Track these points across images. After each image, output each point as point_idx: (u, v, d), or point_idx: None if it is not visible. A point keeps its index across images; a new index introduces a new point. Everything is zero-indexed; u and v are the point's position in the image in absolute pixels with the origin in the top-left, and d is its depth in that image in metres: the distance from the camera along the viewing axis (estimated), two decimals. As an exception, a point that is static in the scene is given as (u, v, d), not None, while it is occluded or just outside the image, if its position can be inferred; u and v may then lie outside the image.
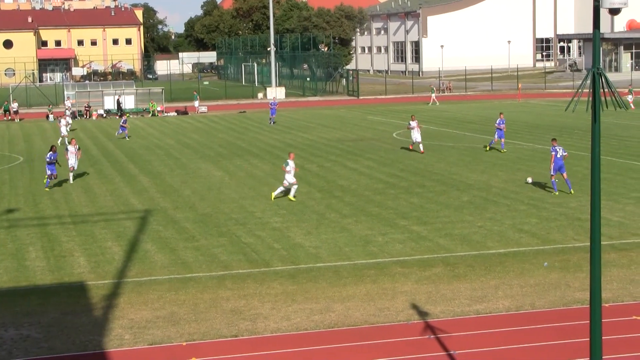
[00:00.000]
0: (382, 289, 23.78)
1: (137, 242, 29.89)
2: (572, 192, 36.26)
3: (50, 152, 41.49)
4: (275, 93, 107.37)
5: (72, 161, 43.10)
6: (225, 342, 20.05)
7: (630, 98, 79.80)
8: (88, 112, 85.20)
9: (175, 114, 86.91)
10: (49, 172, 41.00)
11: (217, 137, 63.10)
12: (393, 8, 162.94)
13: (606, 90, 13.13)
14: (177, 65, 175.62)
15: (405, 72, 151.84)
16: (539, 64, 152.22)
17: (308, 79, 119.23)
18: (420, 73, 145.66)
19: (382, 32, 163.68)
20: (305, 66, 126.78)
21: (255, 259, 27.33)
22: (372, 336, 20.16)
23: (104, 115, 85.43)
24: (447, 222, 31.98)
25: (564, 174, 36.48)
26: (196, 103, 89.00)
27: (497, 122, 50.03)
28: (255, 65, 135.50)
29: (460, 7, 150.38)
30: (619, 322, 20.41)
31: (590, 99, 13.18)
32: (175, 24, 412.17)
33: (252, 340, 20.14)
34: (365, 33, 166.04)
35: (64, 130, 61.03)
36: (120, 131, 63.45)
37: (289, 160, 37.04)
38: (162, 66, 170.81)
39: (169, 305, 22.78)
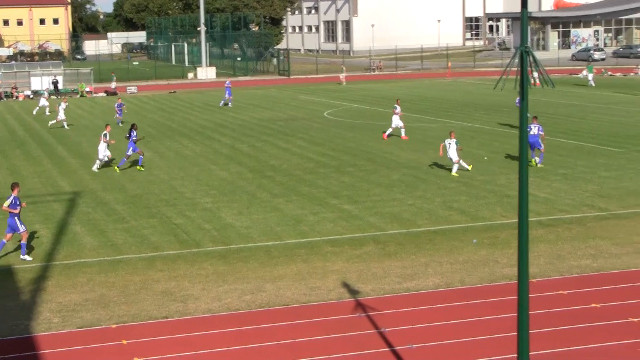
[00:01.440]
0: (313, 268, 23.83)
1: (65, 225, 29.52)
2: (540, 165, 37.39)
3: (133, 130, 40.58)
4: (206, 73, 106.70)
5: None
6: (155, 323, 19.92)
7: (589, 76, 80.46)
8: (15, 93, 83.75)
9: (105, 94, 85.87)
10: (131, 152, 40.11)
11: (147, 118, 62.52)
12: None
13: (533, 68, 13.24)
14: (106, 45, 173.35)
15: (336, 51, 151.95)
16: (469, 43, 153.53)
17: (239, 58, 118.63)
18: (351, 52, 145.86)
19: (313, 11, 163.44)
20: (236, 46, 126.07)
21: (186, 240, 27.18)
22: (304, 315, 20.20)
23: (31, 96, 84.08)
24: (377, 200, 32.12)
25: (541, 149, 37.62)
26: (113, 84, 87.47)
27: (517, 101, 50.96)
28: (186, 45, 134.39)
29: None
30: (545, 297, 20.72)
31: (519, 77, 13.28)
32: (103, 4, 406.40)
33: (183, 321, 20.04)
34: (296, 12, 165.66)
35: None
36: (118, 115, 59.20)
37: None
38: (91, 46, 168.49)
39: (98, 288, 22.55)
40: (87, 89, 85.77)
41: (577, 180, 34.70)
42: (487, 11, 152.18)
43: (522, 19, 13.38)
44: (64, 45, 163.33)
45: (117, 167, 40.28)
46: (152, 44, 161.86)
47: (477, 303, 20.65)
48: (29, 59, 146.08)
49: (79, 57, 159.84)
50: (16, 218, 25.49)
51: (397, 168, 38.60)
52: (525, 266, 13.92)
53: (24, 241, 25.68)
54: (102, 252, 26.10)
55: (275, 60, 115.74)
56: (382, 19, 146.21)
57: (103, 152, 39.99)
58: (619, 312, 19.70)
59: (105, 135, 40.00)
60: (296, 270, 23.73)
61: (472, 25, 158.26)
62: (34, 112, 66.02)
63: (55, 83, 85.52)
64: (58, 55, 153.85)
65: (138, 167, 40.25)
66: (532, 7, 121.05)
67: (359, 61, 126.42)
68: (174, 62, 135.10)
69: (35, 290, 22.53)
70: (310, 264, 24.24)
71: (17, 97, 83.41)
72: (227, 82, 73.56)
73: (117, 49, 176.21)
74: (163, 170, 39.91)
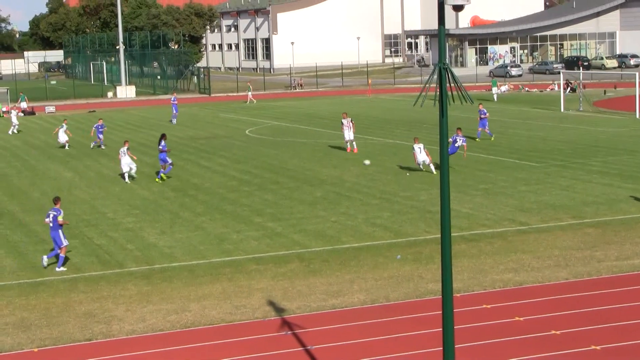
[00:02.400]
0: (238, 287, 23.72)
1: (-17, 247, 28.90)
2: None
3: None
4: (126, 92, 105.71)
5: None
6: (78, 346, 19.61)
7: (494, 89, 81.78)
8: None
9: (22, 114, 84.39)
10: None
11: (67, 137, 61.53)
12: (243, 5, 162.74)
13: (452, 84, 13.41)
14: (23, 64, 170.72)
15: (256, 69, 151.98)
16: (388, 60, 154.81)
17: (159, 77, 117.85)
18: (272, 70, 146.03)
19: (233, 29, 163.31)
20: (156, 64, 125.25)
21: (109, 261, 26.84)
22: (229, 334, 20.08)
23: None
24: (301, 217, 32.14)
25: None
26: (23, 104, 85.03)
27: (480, 111, 51.74)
28: (105, 63, 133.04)
29: (310, 4, 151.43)
30: (470, 312, 20.92)
31: (438, 93, 13.43)
32: (19, 22, 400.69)
33: (107, 343, 19.76)
34: (216, 30, 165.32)
35: None
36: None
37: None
38: (7, 66, 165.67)
39: (18, 311, 22.12)
40: (4, 109, 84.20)
41: (497, 195, 35.17)
42: (406, 28, 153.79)
43: (439, 36, 13.56)
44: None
45: (163, 175, 41.11)
46: (70, 62, 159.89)
47: (403, 319, 20.75)
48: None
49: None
50: (60, 231, 25.89)
51: (319, 185, 38.69)
52: (449, 281, 14.06)
53: (62, 254, 25.90)
54: (22, 274, 25.62)
55: (195, 78, 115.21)
56: (302, 36, 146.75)
57: (128, 164, 40.89)
58: (542, 324, 19.97)
59: (126, 150, 41.12)
60: (221, 289, 23.59)
61: (391, 42, 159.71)
62: (10, 132, 65.36)
63: None
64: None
65: (157, 180, 40.69)
66: (449, 25, 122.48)
67: (280, 78, 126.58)
68: (92, 81, 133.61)
69: (-46, 315, 22.01)
70: (235, 283, 24.12)
71: None
72: (172, 98, 72.89)
73: (34, 68, 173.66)
74: (83, 190, 39.39)
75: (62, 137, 54.85)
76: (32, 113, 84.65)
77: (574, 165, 42.12)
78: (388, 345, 19.09)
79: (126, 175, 41.05)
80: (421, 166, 40.68)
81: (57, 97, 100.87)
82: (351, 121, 48.71)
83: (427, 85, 13.88)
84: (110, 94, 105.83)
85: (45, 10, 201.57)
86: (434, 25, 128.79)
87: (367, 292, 22.90)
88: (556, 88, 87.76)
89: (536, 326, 19.90)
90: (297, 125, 65.06)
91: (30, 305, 22.58)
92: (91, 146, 54.28)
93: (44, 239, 29.88)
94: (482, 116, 51.75)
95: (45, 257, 26.26)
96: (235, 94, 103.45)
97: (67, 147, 54.50)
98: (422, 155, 40.37)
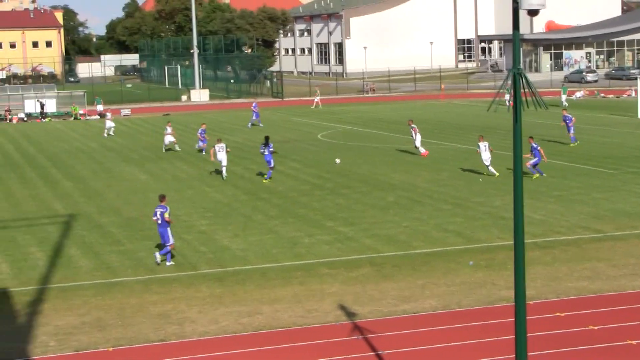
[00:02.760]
0: (310, 291, 23.80)
1: (61, 248, 29.46)
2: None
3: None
4: (200, 95, 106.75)
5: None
6: (152, 346, 19.87)
7: (563, 97, 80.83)
8: (9, 116, 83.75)
9: (98, 117, 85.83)
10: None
11: (141, 140, 62.52)
12: (316, 9, 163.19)
13: (526, 90, 13.31)
14: (100, 68, 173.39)
15: (329, 73, 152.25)
16: (461, 65, 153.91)
17: (232, 80, 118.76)
18: (344, 74, 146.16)
19: (306, 33, 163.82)
20: (229, 68, 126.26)
21: (182, 263, 27.14)
22: (301, 338, 20.16)
23: (25, 119, 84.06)
24: (373, 222, 32.13)
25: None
26: (99, 107, 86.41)
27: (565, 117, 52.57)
28: (179, 67, 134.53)
29: (383, 9, 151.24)
30: (543, 319, 20.71)
31: (512, 99, 13.34)
32: (96, 27, 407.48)
33: (180, 344, 19.99)
34: (289, 35, 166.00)
35: None
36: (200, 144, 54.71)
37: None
38: (84, 69, 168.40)
39: (94, 311, 22.50)
40: (81, 112, 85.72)
41: (572, 202, 34.76)
42: (480, 33, 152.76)
43: (514, 41, 13.46)
44: (57, 68, 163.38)
45: (265, 179, 41.89)
46: (145, 66, 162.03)
47: (474, 325, 20.63)
48: (22, 81, 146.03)
49: (72, 79, 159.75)
50: (168, 228, 26.82)
51: (391, 190, 38.64)
52: (522, 288, 13.93)
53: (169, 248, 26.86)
54: (98, 274, 26.05)
55: (268, 82, 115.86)
56: (374, 40, 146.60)
57: (225, 160, 42.96)
58: (617, 334, 19.69)
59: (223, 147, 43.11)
60: (293, 292, 23.70)
61: (464, 47, 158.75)
62: (105, 135, 65.98)
63: (42, 105, 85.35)
64: (51, 78, 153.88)
65: (264, 181, 41.69)
66: (524, 30, 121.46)
67: (352, 83, 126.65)
68: (167, 85, 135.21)
69: (31, 313, 22.47)
70: (307, 287, 24.21)
71: (10, 120, 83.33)
72: (253, 104, 73.71)
73: (110, 71, 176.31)
74: (158, 192, 39.75)
75: (168, 139, 54.57)
76: (104, 115, 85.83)
77: (651, 172, 41.43)
78: (459, 352, 18.99)
79: (224, 170, 42.95)
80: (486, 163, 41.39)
81: (133, 101, 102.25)
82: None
83: (501, 90, 13.79)
84: (184, 98, 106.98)
85: (121, 14, 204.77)
86: (508, 30, 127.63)
87: (438, 298, 22.82)
88: (633, 94, 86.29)
89: (611, 335, 19.63)
90: (369, 130, 65.03)
91: (106, 305, 22.95)
92: (196, 148, 53.98)
93: (119, 239, 30.37)
94: (569, 123, 52.14)
95: (157, 254, 27.02)
96: (307, 98, 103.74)
97: (177, 148, 54.37)
98: (486, 153, 41.13)
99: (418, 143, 48.92)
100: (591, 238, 28.88)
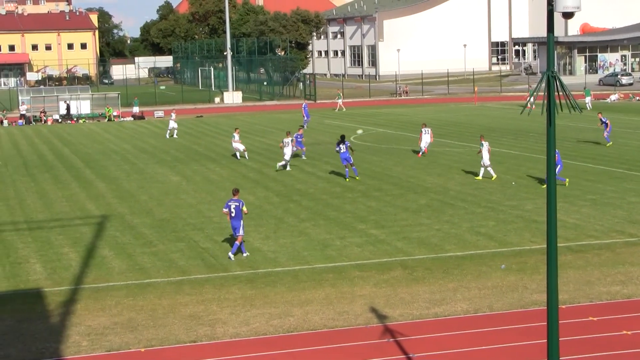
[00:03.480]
0: (341, 293, 23.79)
1: (94, 248, 29.65)
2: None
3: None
4: (232, 97, 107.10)
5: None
6: (184, 347, 19.95)
7: (587, 99, 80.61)
8: (44, 117, 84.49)
9: (132, 118, 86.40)
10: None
11: (174, 142, 62.79)
12: (349, 12, 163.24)
13: (561, 93, 13.23)
14: (133, 69, 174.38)
15: (362, 75, 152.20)
16: (495, 68, 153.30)
17: (265, 83, 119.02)
18: (377, 77, 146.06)
19: (339, 36, 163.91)
20: (262, 70, 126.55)
21: (214, 264, 27.22)
22: (332, 340, 20.16)
23: (60, 120, 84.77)
24: (404, 225, 32.07)
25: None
26: (135, 109, 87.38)
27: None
28: (212, 69, 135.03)
29: (417, 11, 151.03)
30: (575, 323, 20.59)
31: (545, 102, 13.27)
32: (130, 29, 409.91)
33: (211, 345, 20.05)
34: (322, 37, 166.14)
35: None
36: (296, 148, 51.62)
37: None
38: (118, 71, 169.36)
39: (126, 311, 22.61)
40: (115, 113, 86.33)
41: (605, 206, 34.51)
42: (514, 36, 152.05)
43: (548, 44, 13.40)
44: (92, 70, 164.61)
45: (356, 177, 42.71)
46: (178, 68, 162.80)
47: (506, 329, 20.54)
48: (57, 83, 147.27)
49: (106, 81, 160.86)
50: (241, 221, 27.83)
51: (423, 192, 38.55)
52: (555, 292, 13.86)
53: (238, 242, 27.85)
54: (130, 275, 26.18)
55: (301, 84, 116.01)
56: (408, 43, 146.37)
57: (290, 154, 46.15)
58: (650, 339, 19.53)
59: (291, 140, 46.51)
60: (324, 294, 23.70)
61: (498, 49, 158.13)
62: (167, 136, 66.08)
63: (68, 107, 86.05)
64: (86, 79, 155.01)
65: (347, 180, 42.38)
66: (558, 32, 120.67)
67: (385, 85, 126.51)
68: (200, 87, 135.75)
69: (64, 313, 22.63)
70: (338, 289, 24.21)
71: (45, 122, 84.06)
72: (303, 105, 74.57)
73: (144, 73, 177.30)
74: (190, 194, 40.04)
75: (238, 146, 51.90)
76: (141, 117, 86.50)
77: (686, 176, 41.06)
78: (491, 356, 18.92)
79: (288, 165, 46.00)
80: (485, 164, 41.34)
81: (166, 102, 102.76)
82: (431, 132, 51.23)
83: (535, 93, 13.72)
84: (217, 100, 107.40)
85: (155, 16, 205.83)
86: (542, 32, 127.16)
87: (470, 301, 22.73)
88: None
89: (644, 340, 19.47)
90: (401, 133, 64.93)
91: (138, 306, 23.06)
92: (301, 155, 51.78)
93: (151, 240, 30.51)
94: (606, 123, 52.70)
95: (230, 253, 27.80)
96: (342, 101, 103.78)
97: (245, 157, 51.48)
98: (486, 154, 41.09)
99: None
100: (625, 242, 28.65)
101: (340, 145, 42.54)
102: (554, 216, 13.67)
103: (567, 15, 13.14)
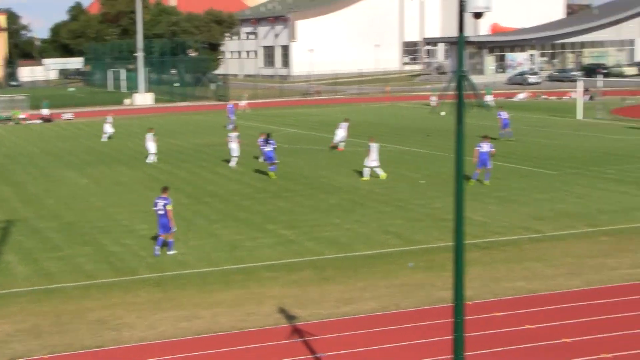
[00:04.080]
0: (250, 294, 23.70)
1: (-2, 254, 29.02)
2: (488, 183, 39.10)
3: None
4: (144, 99, 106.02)
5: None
6: (89, 353, 19.63)
7: (488, 97, 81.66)
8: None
9: (40, 121, 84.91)
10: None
11: (83, 144, 61.89)
12: (262, 12, 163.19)
13: (471, 92, 13.37)
14: (42, 71, 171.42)
15: (274, 76, 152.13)
16: (407, 67, 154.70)
17: (177, 84, 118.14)
18: (290, 77, 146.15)
19: (252, 36, 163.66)
20: (174, 71, 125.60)
21: (121, 268, 26.87)
22: (240, 341, 20.06)
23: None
24: (315, 225, 32.12)
25: (489, 167, 39.51)
26: (45, 111, 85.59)
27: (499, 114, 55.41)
28: (123, 71, 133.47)
29: (329, 12, 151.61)
30: (481, 319, 20.83)
31: (456, 101, 13.39)
32: (40, 30, 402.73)
33: (118, 350, 19.78)
34: (235, 37, 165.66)
35: None
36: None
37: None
38: (26, 73, 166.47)
39: (31, 318, 22.17)
40: (22, 116, 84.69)
41: (512, 203, 35.05)
42: (425, 36, 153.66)
43: (459, 44, 13.52)
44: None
45: (271, 173, 43.45)
46: (89, 70, 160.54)
47: (414, 326, 20.69)
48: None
49: (13, 83, 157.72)
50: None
51: (334, 192, 38.67)
52: (461, 289, 14.00)
53: (171, 239, 28.37)
54: (36, 281, 25.68)
55: (213, 85, 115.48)
56: (321, 43, 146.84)
57: (236, 151, 47.30)
58: (553, 333, 19.88)
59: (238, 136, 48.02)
60: (233, 296, 23.59)
61: (409, 49, 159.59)
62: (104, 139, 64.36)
63: None
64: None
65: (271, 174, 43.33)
66: (469, 32, 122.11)
67: (298, 86, 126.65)
68: (111, 89, 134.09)
69: (-34, 321, 22.09)
70: (248, 290, 24.12)
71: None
72: (229, 105, 75.23)
73: (53, 75, 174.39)
74: (98, 197, 39.48)
75: (150, 147, 51.35)
76: (49, 120, 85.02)
77: (590, 173, 41.95)
78: (399, 353, 19.03)
79: (233, 162, 47.16)
80: (372, 165, 41.66)
81: (75, 104, 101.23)
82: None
83: (446, 92, 13.83)
84: (127, 101, 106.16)
85: (66, 17, 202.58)
86: (453, 32, 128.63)
87: (378, 300, 22.85)
88: (574, 96, 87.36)
89: (547, 334, 19.81)
90: (313, 133, 65.06)
91: (43, 312, 22.63)
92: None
93: (58, 244, 30.00)
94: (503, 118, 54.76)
95: (156, 247, 28.14)
96: (253, 101, 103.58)
97: (154, 159, 51.03)
98: (374, 154, 41.36)
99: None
100: (530, 238, 29.14)
101: (266, 144, 43.39)
102: (462, 214, 13.80)
103: (478, 15, 13.30)
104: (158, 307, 22.81)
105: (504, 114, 55.58)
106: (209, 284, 24.80)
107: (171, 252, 28.20)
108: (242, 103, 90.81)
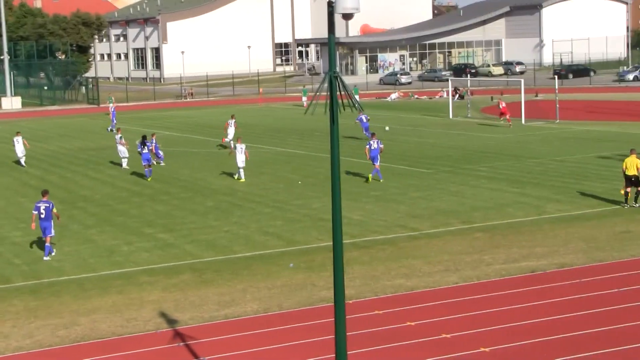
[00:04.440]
0: (129, 299, 23.36)
1: None
2: (382, 180, 39.67)
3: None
4: (11, 103, 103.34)
5: None
6: (-37, 365, 19.03)
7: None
8: None
9: None
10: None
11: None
12: (132, 14, 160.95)
13: (343, 92, 13.43)
14: None
15: (146, 78, 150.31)
16: (279, 69, 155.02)
17: (46, 87, 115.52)
18: (162, 79, 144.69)
19: (122, 38, 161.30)
20: (43, 75, 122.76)
21: (-6, 276, 26.14)
22: (121, 348, 19.74)
23: None
24: (193, 228, 31.88)
25: (376, 164, 39.77)
26: None
27: (358, 118, 54.39)
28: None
29: (200, 13, 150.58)
30: (362, 318, 21.02)
31: (328, 101, 13.45)
32: None
33: (-7, 361, 19.23)
34: (104, 40, 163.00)
35: None
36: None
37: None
38: None
39: None
40: None
41: (389, 202, 35.50)
42: (296, 37, 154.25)
43: (329, 45, 13.59)
44: None
45: (148, 178, 42.66)
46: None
47: (296, 327, 20.73)
48: None
49: None
50: (52, 221, 27.97)
51: (211, 195, 38.47)
52: (341, 288, 14.09)
53: (48, 243, 28.11)
54: None
55: (83, 88, 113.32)
56: (192, 45, 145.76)
57: (124, 152, 47.16)
58: (433, 328, 20.19)
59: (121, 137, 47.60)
60: (111, 302, 23.20)
61: (282, 51, 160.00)
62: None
63: None
64: None
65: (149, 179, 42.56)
66: (339, 33, 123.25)
67: (170, 88, 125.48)
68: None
69: None
70: (126, 295, 23.76)
71: None
72: (111, 108, 73.74)
73: None
74: (-32, 204, 38.29)
75: (19, 150, 49.18)
76: None
77: (463, 171, 42.83)
78: (281, 354, 19.04)
79: (124, 162, 46.96)
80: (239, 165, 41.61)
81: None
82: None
83: (318, 93, 13.89)
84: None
85: None
86: (324, 33, 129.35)
87: (260, 301, 22.82)
88: (445, 95, 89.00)
89: (427, 330, 20.11)
90: (188, 135, 64.59)
91: None
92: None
93: None
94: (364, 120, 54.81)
95: (45, 257, 27.97)
96: (125, 104, 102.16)
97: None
98: (241, 155, 41.35)
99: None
100: (407, 236, 29.56)
101: (142, 146, 43.03)
102: (339, 213, 13.88)
103: (347, 17, 13.39)
104: (34, 315, 22.26)
105: (364, 117, 54.56)
106: (86, 290, 24.34)
107: (47, 258, 27.67)
108: (110, 105, 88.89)
